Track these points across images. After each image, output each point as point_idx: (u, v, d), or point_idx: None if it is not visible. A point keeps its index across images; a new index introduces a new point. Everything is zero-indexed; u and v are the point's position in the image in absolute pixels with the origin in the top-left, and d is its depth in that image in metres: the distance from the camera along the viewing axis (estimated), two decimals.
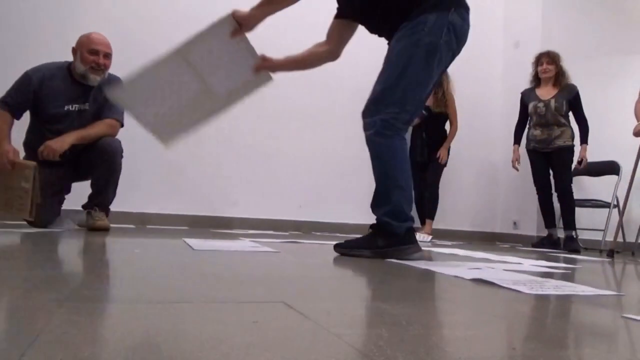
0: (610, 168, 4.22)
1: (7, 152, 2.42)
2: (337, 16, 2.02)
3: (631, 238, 4.38)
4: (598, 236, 4.16)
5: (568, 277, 1.61)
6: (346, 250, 1.82)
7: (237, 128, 3.86)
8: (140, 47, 3.65)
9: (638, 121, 3.36)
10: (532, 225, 4.59)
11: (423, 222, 4.18)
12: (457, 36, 1.81)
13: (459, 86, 4.37)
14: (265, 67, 1.90)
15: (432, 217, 4.15)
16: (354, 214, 4.10)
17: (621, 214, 3.67)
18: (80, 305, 0.69)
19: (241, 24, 1.77)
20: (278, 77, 1.96)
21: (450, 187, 4.61)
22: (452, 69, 4.21)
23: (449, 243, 3.66)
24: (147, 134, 1.81)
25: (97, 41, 2.62)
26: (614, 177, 4.24)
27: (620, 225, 3.59)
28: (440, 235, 4.44)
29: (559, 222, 4.04)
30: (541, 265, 1.99)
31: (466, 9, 1.86)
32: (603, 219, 4.13)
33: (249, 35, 1.83)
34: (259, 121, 3.98)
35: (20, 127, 2.66)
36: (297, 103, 4.09)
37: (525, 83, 4.15)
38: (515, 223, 4.69)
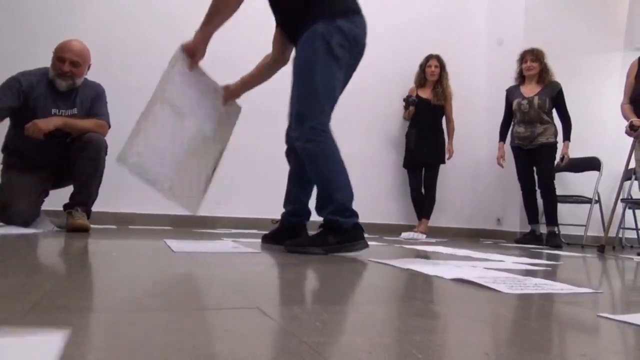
0: (591, 164, 4.28)
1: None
2: (276, 24, 2.16)
3: (612, 232, 4.45)
4: (580, 231, 4.22)
5: (549, 274, 1.63)
6: (298, 248, 1.87)
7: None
8: (126, 49, 3.61)
9: (627, 121, 3.40)
10: (515, 221, 4.64)
11: (419, 220, 4.30)
12: (348, 39, 1.92)
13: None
14: (230, 96, 2.12)
15: (428, 217, 4.26)
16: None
17: (613, 209, 3.72)
18: (46, 316, 0.67)
19: (191, 54, 1.93)
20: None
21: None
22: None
23: (433, 240, 3.68)
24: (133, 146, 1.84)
25: (67, 48, 2.60)
26: (595, 173, 4.31)
27: (610, 220, 3.63)
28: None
29: (542, 218, 4.09)
30: (523, 262, 2.00)
31: (354, 12, 1.97)
32: (585, 214, 4.18)
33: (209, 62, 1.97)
34: (242, 121, 3.94)
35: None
36: (280, 102, 4.06)
37: (509, 80, 4.19)
38: (499, 220, 4.73)
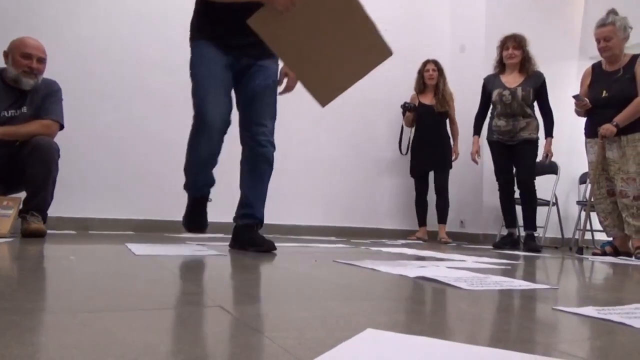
0: (549, 168, 4.42)
1: None
2: None
3: (568, 234, 4.62)
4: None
5: (508, 272, 1.67)
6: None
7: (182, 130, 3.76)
8: (78, 50, 3.51)
9: (581, 90, 3.31)
10: (478, 223, 4.74)
11: (421, 225, 4.35)
12: None
13: (408, 88, 4.47)
14: None
15: (445, 222, 4.31)
16: (306, 215, 4.11)
17: (590, 212, 3.79)
18: (5, 319, 0.64)
19: None
20: None
21: (398, 186, 4.71)
22: (402, 74, 4.36)
23: (399, 242, 3.72)
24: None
25: (31, 45, 2.57)
26: (552, 177, 4.47)
27: (590, 221, 3.58)
28: (388, 235, 4.51)
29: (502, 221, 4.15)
30: (484, 262, 2.05)
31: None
32: (543, 216, 4.31)
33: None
34: None
35: None
36: None
37: (471, 85, 4.23)
38: (462, 222, 4.82)
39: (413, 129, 4.49)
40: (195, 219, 2.28)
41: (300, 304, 0.88)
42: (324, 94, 1.98)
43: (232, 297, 0.91)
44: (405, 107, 4.33)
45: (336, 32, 1.86)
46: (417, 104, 4.35)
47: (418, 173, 4.39)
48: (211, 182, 2.23)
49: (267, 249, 1.99)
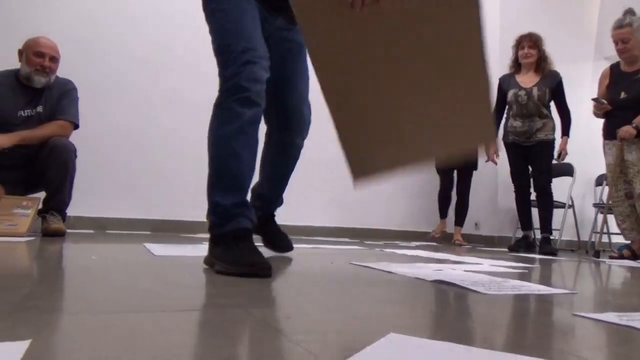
0: (565, 170, 4.38)
1: None
2: None
3: (585, 236, 4.57)
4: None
5: (525, 276, 1.66)
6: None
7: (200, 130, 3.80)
8: (94, 50, 3.56)
9: (599, 91, 3.32)
10: (493, 226, 4.71)
11: (442, 217, 4.33)
12: None
13: None
14: None
15: (462, 224, 4.28)
16: (319, 216, 4.12)
17: (607, 215, 3.74)
18: (27, 317, 0.66)
19: None
20: None
21: (412, 187, 4.70)
22: None
23: (413, 244, 3.72)
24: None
25: (44, 44, 2.64)
26: (568, 179, 4.42)
27: (607, 224, 3.52)
28: (401, 236, 4.50)
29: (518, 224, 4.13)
30: (500, 265, 2.04)
31: None
32: (559, 219, 4.27)
33: None
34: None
35: None
36: None
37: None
38: (476, 224, 4.80)
39: None
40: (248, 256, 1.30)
41: (322, 307, 0.89)
42: (366, 168, 1.24)
43: (252, 299, 0.92)
44: None
45: (431, 69, 1.10)
46: None
47: (444, 168, 4.26)
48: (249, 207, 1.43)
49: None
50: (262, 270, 1.22)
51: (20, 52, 2.65)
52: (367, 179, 1.27)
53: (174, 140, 3.69)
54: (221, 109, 1.40)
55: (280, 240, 1.98)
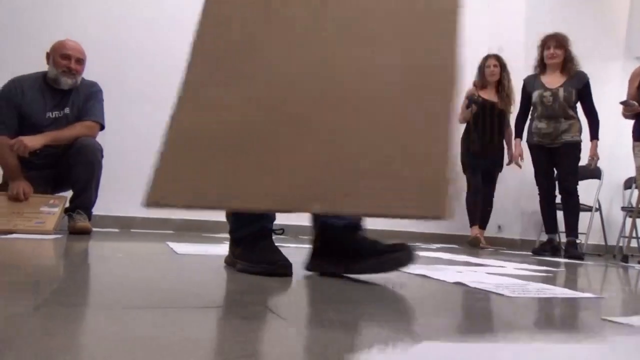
0: (592, 172, 4.28)
1: (20, 188, 2.48)
2: None
3: (612, 241, 4.46)
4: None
5: (550, 280, 1.63)
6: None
7: None
8: (119, 52, 3.64)
9: (629, 91, 3.27)
10: (516, 228, 4.63)
11: (473, 224, 4.08)
12: None
13: None
14: None
15: (485, 227, 4.15)
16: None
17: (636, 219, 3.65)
18: (56, 312, 0.68)
19: None
20: None
21: None
22: None
23: (434, 246, 3.68)
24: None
25: (70, 47, 2.70)
26: (595, 182, 4.32)
27: (635, 228, 3.43)
28: (424, 238, 4.46)
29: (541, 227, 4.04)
30: (524, 268, 2.01)
31: None
32: (585, 223, 4.17)
33: None
34: None
35: None
36: None
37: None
38: (499, 227, 4.73)
39: (463, 126, 4.18)
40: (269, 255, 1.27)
41: (345, 307, 0.88)
42: (177, 191, 0.77)
43: (276, 298, 0.93)
44: (472, 100, 3.96)
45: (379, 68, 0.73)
46: (479, 98, 4.01)
47: (474, 168, 4.03)
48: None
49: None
50: (283, 269, 1.22)
51: (48, 55, 2.72)
52: (164, 202, 0.80)
53: None
54: None
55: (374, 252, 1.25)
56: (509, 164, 4.09)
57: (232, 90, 0.76)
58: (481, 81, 4.12)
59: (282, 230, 1.45)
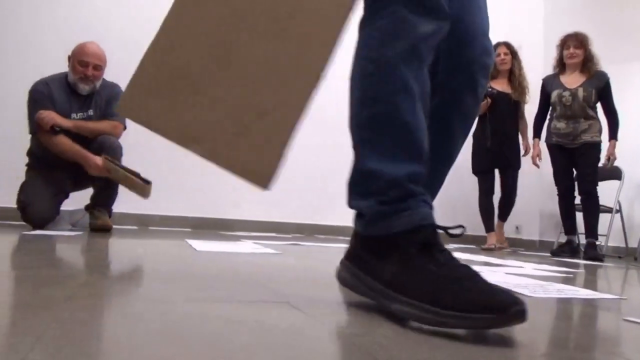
0: (613, 173, 4.21)
1: (97, 162, 2.54)
2: None
3: (633, 243, 4.38)
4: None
5: (570, 281, 1.61)
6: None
7: None
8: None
9: None
10: (534, 229, 4.58)
11: (489, 230, 3.84)
12: None
13: None
14: None
15: (505, 220, 3.93)
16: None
17: None
18: (86, 303, 0.70)
19: None
20: None
21: (450, 189, 4.60)
22: None
23: (451, 247, 3.66)
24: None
25: (88, 52, 2.65)
26: (615, 182, 4.25)
27: None
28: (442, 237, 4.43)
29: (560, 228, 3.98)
30: (543, 269, 1.99)
31: None
32: (605, 224, 4.10)
33: None
34: None
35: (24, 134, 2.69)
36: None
37: (529, 85, 4.06)
38: (517, 227, 4.68)
39: (476, 120, 4.08)
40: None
41: (368, 307, 0.89)
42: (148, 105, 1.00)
43: (299, 295, 0.94)
44: (486, 93, 3.64)
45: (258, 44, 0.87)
46: (494, 90, 3.79)
47: (485, 169, 3.87)
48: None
49: None
50: (518, 316, 0.65)
51: (69, 58, 2.72)
52: (135, 113, 1.00)
53: None
54: (382, 16, 0.82)
55: None
56: (524, 155, 3.92)
57: (195, 40, 0.96)
58: (492, 71, 3.96)
59: (463, 229, 0.82)
